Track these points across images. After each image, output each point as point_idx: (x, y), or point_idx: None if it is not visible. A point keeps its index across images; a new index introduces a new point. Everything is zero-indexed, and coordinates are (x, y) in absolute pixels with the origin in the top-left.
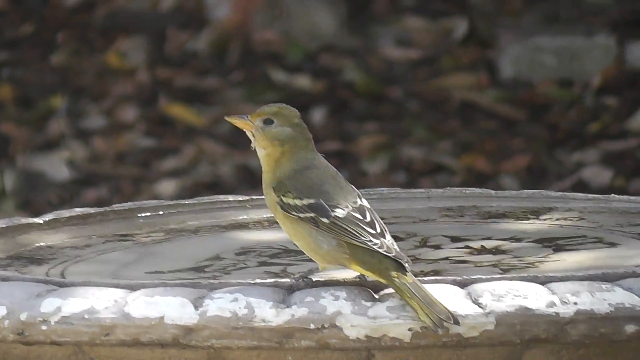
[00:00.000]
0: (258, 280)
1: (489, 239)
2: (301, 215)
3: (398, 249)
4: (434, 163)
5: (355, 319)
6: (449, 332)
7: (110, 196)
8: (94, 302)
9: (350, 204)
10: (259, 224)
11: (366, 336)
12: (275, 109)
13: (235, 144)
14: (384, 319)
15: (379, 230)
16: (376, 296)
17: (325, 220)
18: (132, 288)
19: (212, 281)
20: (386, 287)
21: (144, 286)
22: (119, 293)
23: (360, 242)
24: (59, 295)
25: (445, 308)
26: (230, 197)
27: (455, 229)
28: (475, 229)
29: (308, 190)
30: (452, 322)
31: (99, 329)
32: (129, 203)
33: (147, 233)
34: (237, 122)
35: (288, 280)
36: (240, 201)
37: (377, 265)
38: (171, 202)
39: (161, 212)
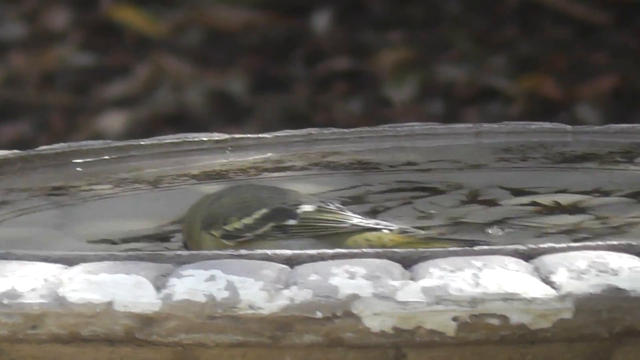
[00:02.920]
0: (243, 251)
1: (564, 191)
2: (258, 231)
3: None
4: (483, 87)
5: (378, 304)
6: (509, 323)
7: (35, 134)
8: (16, 281)
9: (316, 203)
10: (244, 172)
11: (394, 328)
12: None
13: (208, 60)
14: (419, 305)
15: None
16: (408, 272)
17: (292, 222)
18: (69, 262)
19: (179, 252)
20: (421, 259)
21: (85, 259)
22: (50, 269)
23: (347, 226)
24: None
25: None
26: (203, 136)
27: (516, 179)
28: (544, 178)
29: (252, 205)
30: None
31: (23, 319)
32: (62, 144)
33: (87, 185)
34: None
35: (287, 251)
36: (216, 141)
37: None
38: (120, 143)
39: (107, 157)
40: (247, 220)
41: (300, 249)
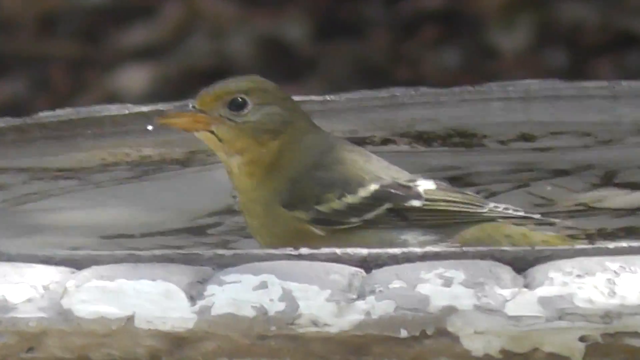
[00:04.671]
0: (304, 250)
1: None
2: (367, 216)
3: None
4: (619, 31)
5: (482, 320)
6: None
7: (32, 95)
8: (8, 290)
9: (428, 179)
10: None
11: (503, 352)
12: (244, 82)
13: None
14: (536, 320)
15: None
16: (521, 278)
17: (416, 203)
18: (77, 265)
19: (219, 252)
20: (539, 260)
21: (97, 261)
22: (52, 274)
23: (485, 212)
24: None
25: None
26: None
27: None
28: None
29: (355, 176)
30: None
31: (17, 338)
32: (68, 110)
33: (101, 166)
34: (179, 121)
35: (362, 250)
36: None
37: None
38: (144, 109)
39: (126, 127)
40: (352, 199)
41: (424, 243)
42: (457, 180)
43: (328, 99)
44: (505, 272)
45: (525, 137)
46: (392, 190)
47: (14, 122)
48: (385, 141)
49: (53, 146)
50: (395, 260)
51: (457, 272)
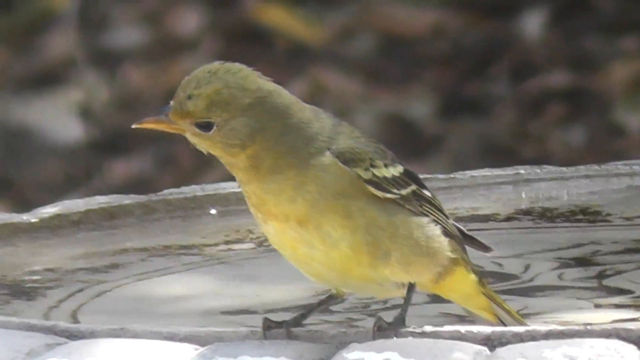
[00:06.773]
0: (427, 328)
1: None
2: (403, 191)
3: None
4: None
5: None
6: None
7: (157, 172)
8: None
9: None
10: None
11: None
12: (202, 101)
13: (382, 75)
14: None
15: None
16: None
17: (427, 193)
18: (201, 341)
19: (343, 329)
20: None
21: (220, 338)
22: (177, 350)
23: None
24: (69, 354)
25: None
26: None
27: None
28: None
29: (383, 151)
30: None
31: None
32: (193, 187)
33: (226, 242)
34: (155, 127)
35: (486, 328)
36: None
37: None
38: None
39: None
40: (393, 172)
41: (432, 241)
42: (581, 259)
43: (452, 176)
44: (630, 351)
45: None
46: (411, 174)
47: (140, 199)
48: (508, 218)
49: (177, 224)
50: (519, 338)
51: (581, 350)
